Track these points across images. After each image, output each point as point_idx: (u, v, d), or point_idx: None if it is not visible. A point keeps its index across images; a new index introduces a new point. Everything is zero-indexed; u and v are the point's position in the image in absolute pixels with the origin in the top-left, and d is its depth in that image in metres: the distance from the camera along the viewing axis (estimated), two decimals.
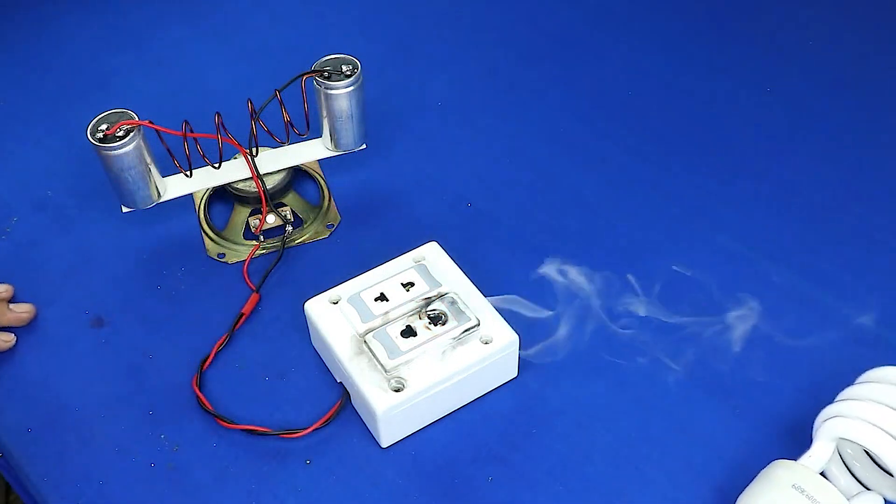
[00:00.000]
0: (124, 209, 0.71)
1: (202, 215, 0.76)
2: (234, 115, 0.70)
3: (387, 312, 0.64)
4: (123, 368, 0.67)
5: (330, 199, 0.77)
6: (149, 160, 0.68)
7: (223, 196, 0.77)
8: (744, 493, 0.56)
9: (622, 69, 0.88)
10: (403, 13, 0.95)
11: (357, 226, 0.76)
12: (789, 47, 0.90)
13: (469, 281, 0.65)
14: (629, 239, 0.74)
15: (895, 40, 0.91)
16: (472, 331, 0.62)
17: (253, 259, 0.73)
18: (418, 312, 0.63)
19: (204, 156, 0.70)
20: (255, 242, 0.74)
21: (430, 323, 0.63)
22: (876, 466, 0.57)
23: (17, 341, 0.68)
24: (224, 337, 0.67)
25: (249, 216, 0.76)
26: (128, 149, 0.66)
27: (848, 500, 0.54)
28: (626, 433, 0.62)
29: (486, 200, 0.77)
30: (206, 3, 0.97)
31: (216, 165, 0.71)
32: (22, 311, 0.68)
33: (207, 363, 0.66)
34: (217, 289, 0.71)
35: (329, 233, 0.75)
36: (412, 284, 0.65)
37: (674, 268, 0.72)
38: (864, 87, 0.86)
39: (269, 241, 0.74)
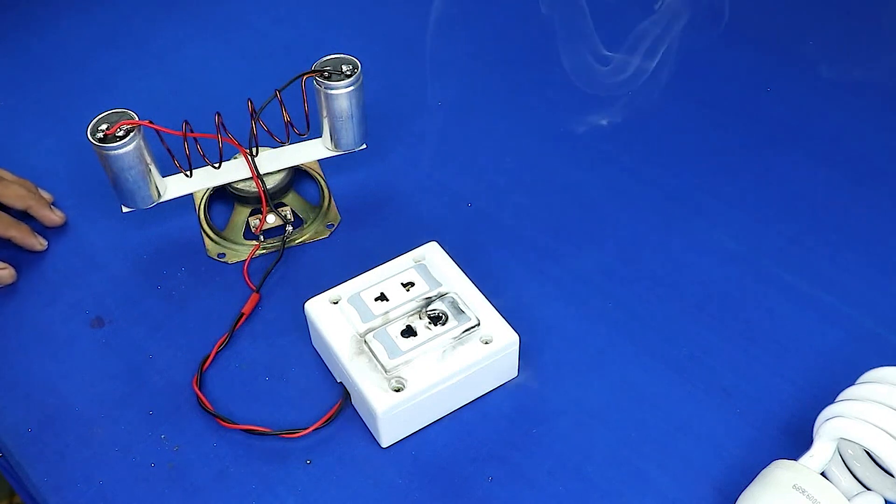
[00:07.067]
0: (124, 209, 0.71)
1: (202, 215, 0.76)
2: (234, 115, 0.70)
3: (387, 312, 0.64)
4: (123, 368, 0.67)
5: (330, 199, 0.77)
6: (149, 160, 0.68)
7: (223, 196, 0.77)
8: (744, 493, 0.56)
9: None
10: (403, 13, 0.95)
11: (357, 226, 0.76)
12: (789, 47, 0.90)
13: (469, 281, 0.65)
14: (630, 239, 0.74)
15: (895, 40, 0.92)
16: (472, 331, 0.62)
17: (253, 259, 0.73)
18: (418, 312, 0.63)
19: (204, 156, 0.70)
20: (255, 242, 0.74)
21: (430, 323, 0.63)
22: (877, 467, 0.57)
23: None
24: (224, 337, 0.67)
25: (249, 216, 0.76)
26: (128, 149, 0.66)
27: (848, 500, 0.54)
28: (626, 433, 0.62)
29: (486, 200, 0.77)
30: (206, 2, 0.97)
31: (216, 165, 0.71)
32: (57, 216, 0.75)
33: (207, 363, 0.66)
34: (217, 289, 0.71)
35: (329, 233, 0.75)
36: (412, 284, 0.65)
37: (674, 268, 0.72)
38: (864, 86, 0.86)
39: (269, 241, 0.74)
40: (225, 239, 0.75)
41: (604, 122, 0.83)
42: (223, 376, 0.66)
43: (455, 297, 0.64)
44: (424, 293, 0.65)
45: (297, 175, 0.78)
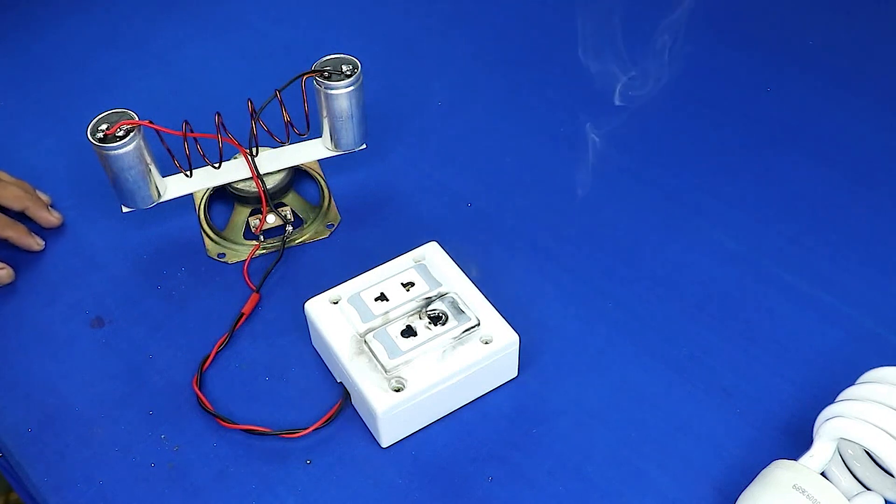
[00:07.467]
0: (124, 209, 0.71)
1: (202, 215, 0.76)
2: (234, 115, 0.70)
3: (387, 312, 0.64)
4: (123, 368, 0.67)
5: (330, 199, 0.77)
6: (149, 160, 0.68)
7: (223, 196, 0.77)
8: (744, 493, 0.56)
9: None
10: (403, 13, 0.95)
11: (357, 226, 0.76)
12: (789, 47, 0.90)
13: (469, 281, 0.65)
14: (630, 239, 0.74)
15: (895, 40, 0.91)
16: (472, 331, 0.62)
17: (253, 259, 0.73)
18: (418, 312, 0.63)
19: (204, 156, 0.70)
20: (255, 242, 0.74)
21: (430, 323, 0.63)
22: (877, 467, 0.57)
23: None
24: (224, 337, 0.67)
25: (249, 216, 0.76)
26: (128, 149, 0.66)
27: (848, 500, 0.54)
28: (626, 433, 0.62)
29: (486, 200, 0.77)
30: (206, 2, 0.97)
31: (216, 165, 0.71)
32: (55, 217, 0.75)
33: (207, 363, 0.66)
34: (217, 289, 0.71)
35: (329, 233, 0.75)
36: (412, 284, 0.65)
37: (674, 268, 0.72)
38: (864, 86, 0.86)
39: (269, 241, 0.74)
40: (225, 239, 0.75)
41: (604, 122, 0.83)
42: (223, 376, 0.66)
43: (455, 297, 0.64)
44: (424, 293, 0.64)
45: (297, 175, 0.78)
